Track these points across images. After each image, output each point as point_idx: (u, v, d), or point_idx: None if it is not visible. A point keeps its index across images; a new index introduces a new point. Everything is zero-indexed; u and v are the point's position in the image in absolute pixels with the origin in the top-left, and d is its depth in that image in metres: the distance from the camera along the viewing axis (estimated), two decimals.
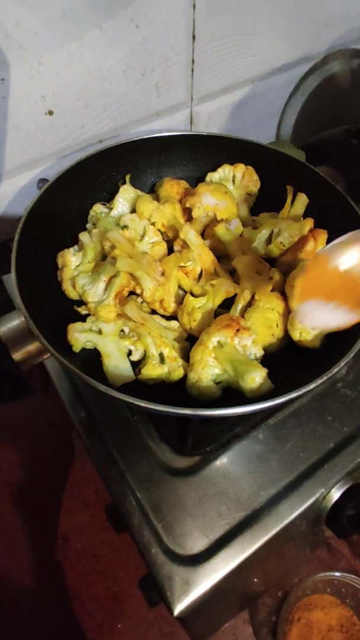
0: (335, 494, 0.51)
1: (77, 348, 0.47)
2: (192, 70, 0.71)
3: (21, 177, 0.66)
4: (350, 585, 0.77)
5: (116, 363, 0.47)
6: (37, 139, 0.64)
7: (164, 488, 0.50)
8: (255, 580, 0.62)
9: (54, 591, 0.82)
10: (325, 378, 0.42)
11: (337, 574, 0.76)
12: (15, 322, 0.45)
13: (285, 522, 0.48)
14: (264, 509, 0.49)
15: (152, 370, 0.46)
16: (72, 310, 0.53)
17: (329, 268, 0.39)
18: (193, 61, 0.70)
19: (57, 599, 0.82)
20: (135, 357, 0.49)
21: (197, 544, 0.47)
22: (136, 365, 0.48)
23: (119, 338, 0.49)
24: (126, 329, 0.50)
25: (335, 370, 0.42)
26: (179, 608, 0.44)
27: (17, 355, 0.44)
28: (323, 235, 0.54)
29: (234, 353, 0.43)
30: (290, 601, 0.76)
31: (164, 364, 0.47)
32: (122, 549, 0.85)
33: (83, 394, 0.57)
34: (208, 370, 0.44)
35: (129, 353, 0.49)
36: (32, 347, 0.45)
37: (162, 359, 0.47)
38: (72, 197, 0.60)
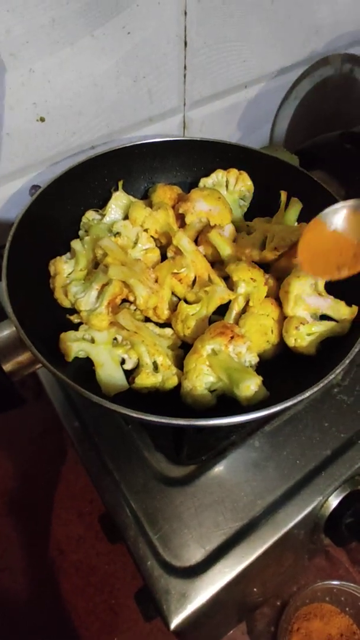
0: (334, 502, 0.50)
1: (69, 357, 0.47)
2: (185, 76, 0.71)
3: (13, 184, 0.66)
4: (349, 593, 0.75)
5: (109, 372, 0.46)
6: (29, 145, 0.63)
7: (159, 498, 0.49)
8: (254, 590, 0.61)
9: (50, 604, 0.81)
10: (321, 385, 0.41)
11: (336, 582, 0.75)
12: (5, 332, 0.45)
13: (283, 531, 0.48)
14: (261, 518, 0.48)
15: (146, 379, 0.45)
16: (64, 319, 0.52)
17: (323, 230, 0.46)
18: (185, 67, 0.70)
19: (53, 612, 0.81)
20: (128, 365, 0.48)
21: (193, 555, 0.46)
22: (130, 374, 0.48)
23: (112, 346, 0.48)
24: (119, 337, 0.49)
25: (332, 377, 0.42)
26: (175, 622, 0.43)
27: (7, 366, 0.44)
28: None
29: (228, 361, 0.43)
30: (289, 611, 0.75)
31: (157, 373, 0.46)
32: (118, 560, 0.83)
33: (76, 403, 0.56)
34: (202, 378, 0.43)
35: (122, 362, 0.48)
36: (23, 357, 0.44)
37: (155, 368, 0.46)
38: (64, 203, 0.59)
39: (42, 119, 0.62)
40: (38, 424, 0.89)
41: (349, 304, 0.50)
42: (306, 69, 0.85)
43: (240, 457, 0.52)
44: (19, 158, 0.64)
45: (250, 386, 0.41)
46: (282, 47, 0.79)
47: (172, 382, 0.46)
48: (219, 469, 0.51)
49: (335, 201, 0.57)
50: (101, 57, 0.61)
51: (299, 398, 0.40)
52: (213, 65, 0.72)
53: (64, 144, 0.66)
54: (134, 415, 0.38)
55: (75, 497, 0.87)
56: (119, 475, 0.50)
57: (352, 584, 0.74)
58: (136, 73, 0.65)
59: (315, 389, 0.41)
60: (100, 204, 0.62)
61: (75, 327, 0.50)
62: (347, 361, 0.43)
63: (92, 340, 0.48)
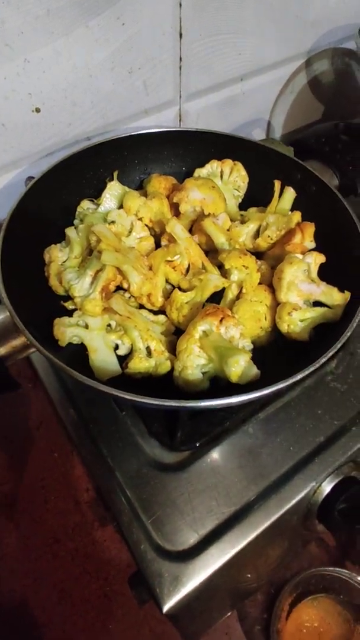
0: (326, 488, 0.50)
1: (63, 343, 0.47)
2: (180, 68, 0.71)
3: (8, 175, 0.66)
4: (342, 580, 0.76)
5: (103, 357, 0.47)
6: (24, 136, 0.64)
7: (153, 484, 0.49)
8: (247, 576, 0.61)
9: (45, 592, 0.82)
10: (312, 369, 0.41)
11: (329, 568, 0.76)
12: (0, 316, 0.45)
13: (276, 516, 0.48)
14: (254, 504, 0.48)
15: (139, 364, 0.46)
16: (58, 306, 0.52)
17: None
18: (181, 59, 0.70)
19: (48, 600, 0.81)
20: (122, 351, 0.48)
21: (187, 539, 0.46)
22: (123, 360, 0.48)
23: (106, 332, 0.49)
24: (113, 324, 0.50)
25: (323, 360, 0.42)
26: (168, 604, 0.43)
27: (1, 350, 0.44)
28: (310, 228, 0.55)
29: (218, 340, 0.43)
30: (282, 597, 0.75)
31: (150, 358, 0.46)
32: (114, 547, 0.84)
33: (71, 391, 0.56)
34: (193, 358, 0.44)
35: (116, 347, 0.49)
36: (17, 341, 0.45)
37: (149, 353, 0.47)
38: (59, 194, 0.60)
39: (38, 110, 0.62)
40: (34, 416, 0.89)
41: (341, 290, 0.50)
42: (301, 63, 0.85)
43: (234, 443, 0.52)
44: (14, 149, 0.64)
45: (240, 361, 0.41)
46: (278, 41, 0.79)
47: (165, 367, 0.46)
48: (212, 455, 0.51)
49: (327, 189, 0.57)
50: (96, 48, 0.61)
51: (292, 380, 0.40)
52: (209, 57, 0.72)
53: (59, 134, 0.66)
54: (127, 397, 0.39)
55: (72, 486, 0.88)
56: (114, 462, 0.51)
57: (345, 570, 0.75)
58: (131, 64, 0.66)
59: (308, 372, 0.41)
60: (95, 194, 0.63)
61: (70, 313, 0.51)
62: (339, 345, 0.44)
63: (86, 326, 0.49)
